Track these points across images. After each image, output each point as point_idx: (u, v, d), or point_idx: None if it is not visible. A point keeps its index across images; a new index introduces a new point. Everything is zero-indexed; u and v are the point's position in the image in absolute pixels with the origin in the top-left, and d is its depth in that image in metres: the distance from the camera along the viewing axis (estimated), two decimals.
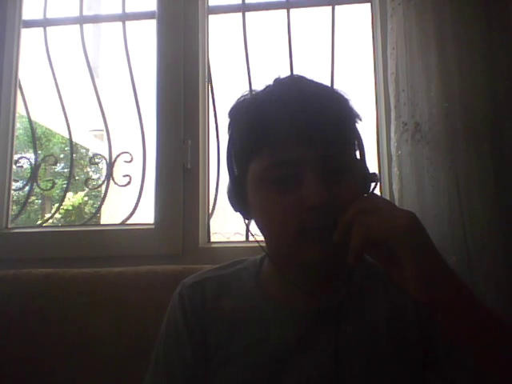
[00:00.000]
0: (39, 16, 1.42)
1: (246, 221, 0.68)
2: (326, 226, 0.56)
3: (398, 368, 0.61)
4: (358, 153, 0.64)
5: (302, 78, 0.64)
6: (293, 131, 0.57)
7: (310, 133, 0.57)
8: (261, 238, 0.66)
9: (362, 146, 0.65)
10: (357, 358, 0.61)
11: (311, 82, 0.64)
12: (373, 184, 0.64)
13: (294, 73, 0.67)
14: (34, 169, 1.42)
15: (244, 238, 1.28)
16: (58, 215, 5.88)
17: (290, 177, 0.58)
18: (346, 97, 0.63)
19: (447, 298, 0.50)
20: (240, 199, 0.65)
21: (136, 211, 1.34)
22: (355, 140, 0.64)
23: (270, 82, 0.65)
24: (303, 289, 0.63)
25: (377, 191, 0.65)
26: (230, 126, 0.67)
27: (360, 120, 0.64)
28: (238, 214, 0.68)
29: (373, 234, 0.52)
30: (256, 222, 0.65)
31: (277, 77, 0.65)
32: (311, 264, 0.60)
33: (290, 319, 0.63)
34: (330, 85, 0.63)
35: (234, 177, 0.66)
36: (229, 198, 0.67)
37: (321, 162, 0.57)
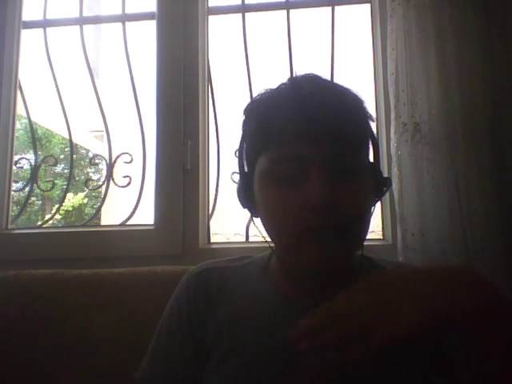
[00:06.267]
0: (39, 17, 1.43)
1: (253, 218, 0.67)
2: (328, 228, 0.55)
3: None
4: (371, 156, 0.64)
5: (316, 77, 0.63)
6: (300, 128, 0.56)
7: (318, 131, 0.56)
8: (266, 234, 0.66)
9: (377, 149, 0.64)
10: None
11: (325, 81, 0.64)
12: (384, 189, 0.64)
13: (308, 72, 0.66)
14: (34, 169, 1.42)
15: (244, 239, 1.28)
16: (58, 216, 5.89)
17: (295, 174, 0.57)
18: (359, 97, 0.63)
19: None
20: (248, 196, 0.65)
21: (136, 212, 1.34)
22: (368, 142, 0.63)
23: (285, 79, 0.64)
24: (306, 288, 0.63)
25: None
26: (244, 124, 0.67)
27: (372, 121, 0.63)
28: (240, 214, 0.68)
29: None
30: (261, 219, 0.64)
31: (291, 75, 0.65)
32: (312, 265, 0.59)
33: (294, 316, 0.63)
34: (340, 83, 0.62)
35: (244, 174, 0.66)
36: (237, 194, 0.67)
37: (327, 161, 0.56)
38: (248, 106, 0.66)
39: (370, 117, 0.63)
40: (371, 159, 0.65)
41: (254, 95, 0.66)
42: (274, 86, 0.65)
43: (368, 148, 0.63)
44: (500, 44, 1.08)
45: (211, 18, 1.36)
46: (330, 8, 1.32)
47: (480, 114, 1.02)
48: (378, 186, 0.63)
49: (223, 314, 0.65)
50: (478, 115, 1.02)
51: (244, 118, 0.67)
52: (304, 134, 0.56)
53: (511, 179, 1.03)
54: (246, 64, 1.33)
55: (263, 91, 0.65)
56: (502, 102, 1.05)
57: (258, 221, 0.66)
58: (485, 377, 0.56)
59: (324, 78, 0.64)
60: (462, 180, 0.99)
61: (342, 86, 0.64)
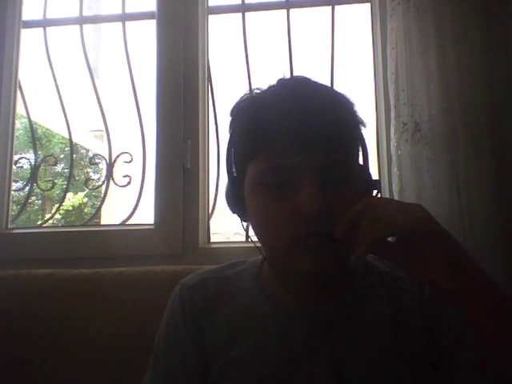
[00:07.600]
0: (39, 16, 1.43)
1: (244, 223, 0.67)
2: (321, 235, 0.55)
3: (402, 371, 0.60)
4: (361, 159, 0.63)
5: (306, 81, 0.62)
6: (292, 136, 0.55)
7: (310, 139, 0.55)
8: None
9: (366, 152, 0.63)
10: (360, 361, 0.60)
11: (315, 84, 0.62)
12: (375, 192, 0.64)
13: (298, 74, 0.65)
14: (34, 169, 1.42)
15: (244, 239, 1.28)
16: (58, 216, 5.88)
17: (286, 183, 0.56)
18: (350, 102, 0.62)
19: (476, 283, 0.49)
20: (237, 201, 0.64)
21: (136, 211, 1.34)
22: (358, 147, 0.62)
23: (274, 81, 0.63)
24: (300, 295, 0.63)
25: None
26: (231, 126, 0.65)
27: (364, 126, 0.63)
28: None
29: (391, 226, 0.50)
30: (252, 225, 0.63)
31: (281, 77, 0.64)
32: (305, 272, 0.59)
33: (290, 322, 0.62)
34: (331, 86, 0.61)
35: (233, 178, 0.65)
36: (226, 198, 0.66)
37: (319, 170, 0.55)
38: (235, 107, 0.64)
39: (361, 120, 0.62)
40: (361, 162, 0.64)
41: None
42: (264, 86, 0.63)
43: (358, 151, 0.63)
44: (500, 43, 1.08)
45: (211, 17, 1.36)
46: (329, 7, 1.32)
47: (480, 113, 1.02)
48: (367, 189, 0.63)
49: (220, 327, 0.64)
50: (478, 115, 1.01)
51: (231, 120, 0.65)
52: (294, 142, 0.55)
53: (511, 179, 1.03)
54: (246, 64, 1.32)
55: (250, 92, 0.64)
56: (502, 102, 1.05)
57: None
58: (485, 376, 0.57)
59: (314, 81, 0.62)
60: (462, 180, 0.99)
61: (332, 90, 0.63)
